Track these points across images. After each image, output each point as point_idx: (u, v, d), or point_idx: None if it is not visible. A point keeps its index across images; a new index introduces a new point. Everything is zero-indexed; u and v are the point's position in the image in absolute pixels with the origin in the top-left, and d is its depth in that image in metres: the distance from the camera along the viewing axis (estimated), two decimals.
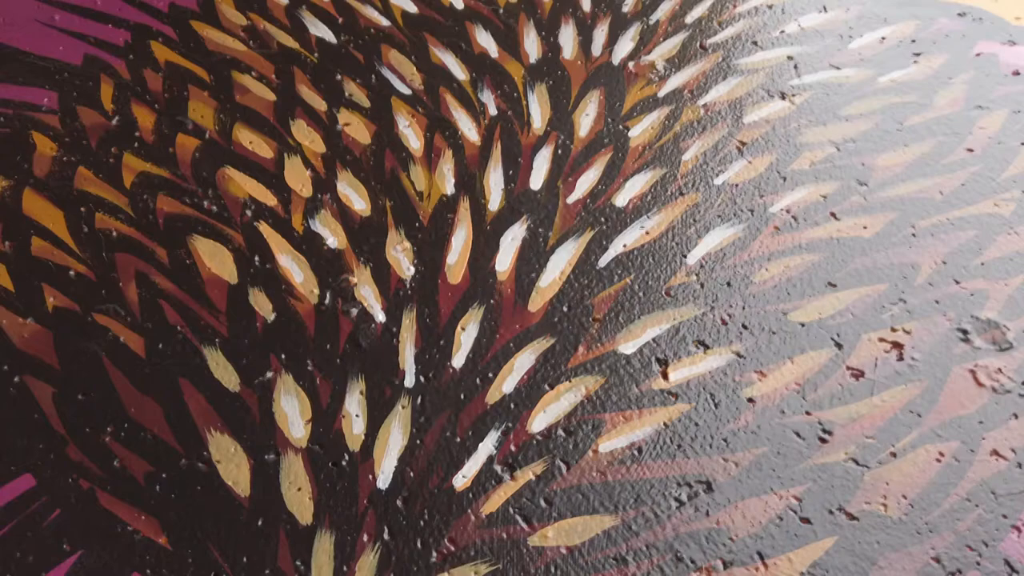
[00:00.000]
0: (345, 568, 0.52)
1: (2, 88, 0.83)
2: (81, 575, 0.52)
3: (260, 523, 0.54)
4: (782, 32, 0.87)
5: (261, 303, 0.65)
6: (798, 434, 0.57)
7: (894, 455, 0.56)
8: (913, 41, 0.86)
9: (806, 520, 0.54)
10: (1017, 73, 0.82)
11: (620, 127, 0.78)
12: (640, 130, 0.78)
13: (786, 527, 0.53)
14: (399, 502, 0.55)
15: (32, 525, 0.54)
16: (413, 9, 0.91)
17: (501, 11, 0.91)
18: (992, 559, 0.52)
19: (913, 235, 0.68)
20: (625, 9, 0.90)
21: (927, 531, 0.53)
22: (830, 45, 0.86)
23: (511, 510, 0.54)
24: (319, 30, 0.88)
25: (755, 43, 0.86)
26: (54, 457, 0.57)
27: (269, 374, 0.61)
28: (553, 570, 0.52)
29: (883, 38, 0.86)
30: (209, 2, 0.92)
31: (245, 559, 0.53)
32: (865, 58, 0.84)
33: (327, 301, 0.65)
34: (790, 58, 0.85)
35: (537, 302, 0.65)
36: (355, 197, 0.72)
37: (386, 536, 0.53)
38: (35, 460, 0.56)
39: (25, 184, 0.74)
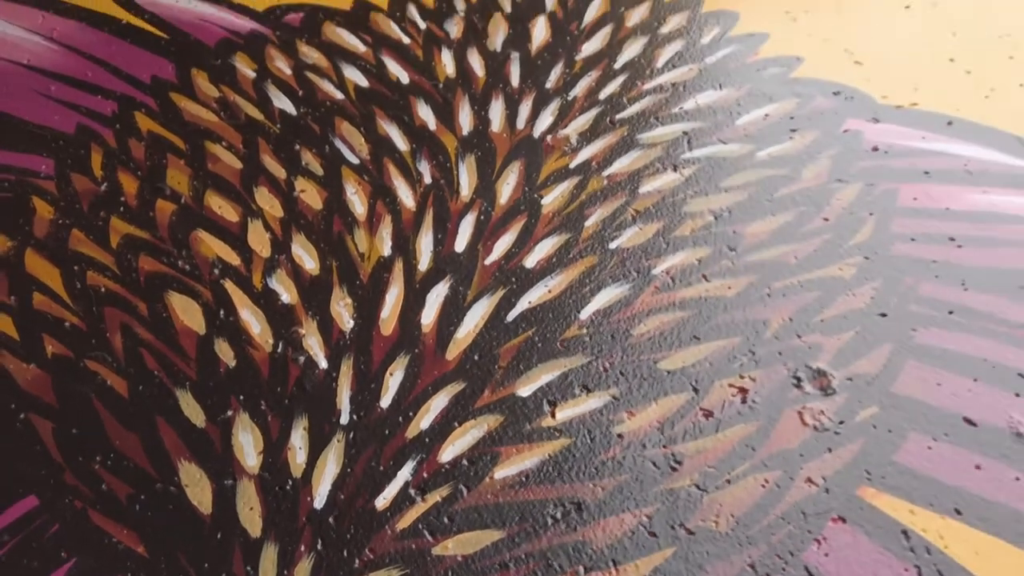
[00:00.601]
0: (286, 572, 0.66)
1: (4, 155, 0.96)
2: None
3: (219, 536, 0.68)
4: (681, 108, 1.01)
5: (224, 351, 0.78)
6: (654, 464, 0.71)
7: (729, 481, 0.70)
8: (791, 118, 1.00)
9: (653, 534, 0.68)
10: (876, 149, 0.96)
11: (535, 195, 0.92)
12: (551, 198, 0.92)
13: (637, 539, 0.67)
14: (331, 519, 0.68)
15: (36, 537, 0.67)
16: (364, 83, 1.04)
17: (440, 85, 1.04)
18: (795, 566, 0.66)
19: (768, 295, 0.82)
20: (548, 85, 1.04)
21: (747, 543, 0.67)
22: (720, 121, 1.00)
23: (420, 526, 0.68)
24: (281, 102, 1.02)
25: (656, 119, 1.00)
26: (53, 481, 0.70)
27: (229, 412, 0.74)
28: (451, 574, 0.66)
29: (766, 115, 1.00)
30: (186, 75, 1.05)
31: (207, 565, 0.67)
32: (749, 134, 0.98)
33: (279, 350, 0.78)
34: (685, 133, 0.98)
35: (453, 351, 0.79)
36: (307, 258, 0.86)
37: (319, 547, 0.67)
38: (38, 484, 0.70)
39: (27, 244, 0.87)
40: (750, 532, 0.66)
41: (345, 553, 0.65)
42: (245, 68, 1.04)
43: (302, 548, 0.66)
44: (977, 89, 1.03)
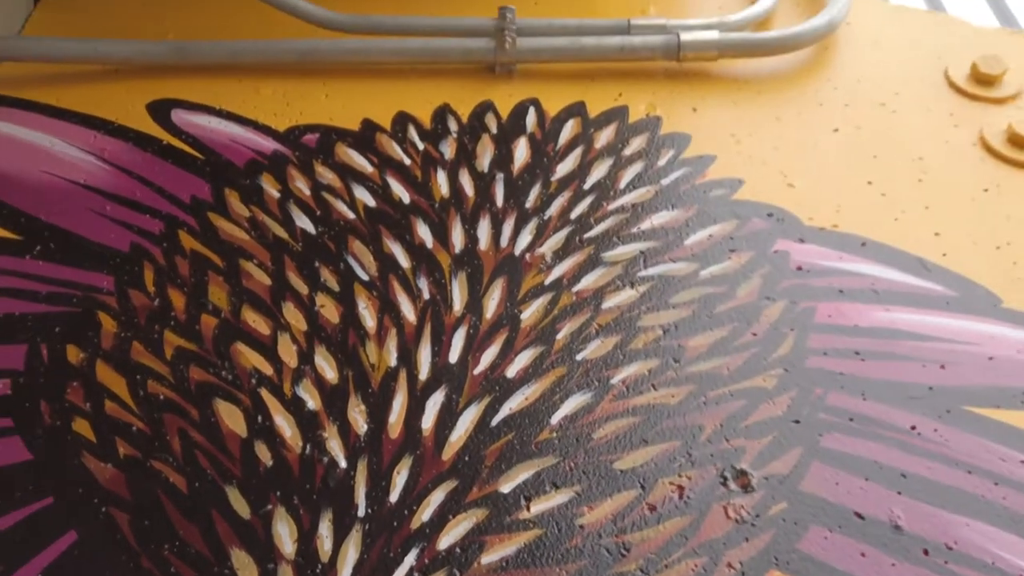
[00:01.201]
0: None
1: (71, 271, 1.14)
2: None
3: None
4: (639, 228, 1.20)
5: (263, 452, 0.96)
6: (607, 551, 0.89)
7: (667, 566, 0.88)
8: (731, 238, 1.19)
9: None
10: (800, 268, 1.15)
11: (515, 311, 1.10)
12: (528, 313, 1.10)
13: None
14: None
15: None
16: (372, 203, 1.22)
17: (436, 205, 1.22)
18: None
19: (704, 403, 1.01)
20: (528, 205, 1.22)
21: None
22: (671, 241, 1.18)
23: None
24: (302, 222, 1.20)
25: (618, 238, 1.19)
26: (132, 565, 0.88)
27: (269, 506, 0.92)
28: None
29: (710, 235, 1.19)
30: (220, 194, 1.23)
31: None
32: (695, 253, 1.17)
33: (307, 451, 0.96)
34: (641, 252, 1.17)
35: (448, 453, 0.97)
36: (327, 368, 1.04)
37: None
38: (120, 568, 0.88)
39: (96, 356, 1.05)
40: None
41: None
42: (270, 188, 1.22)
43: None
44: (889, 211, 1.22)
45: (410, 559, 0.88)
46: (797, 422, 0.99)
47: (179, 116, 1.33)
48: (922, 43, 1.47)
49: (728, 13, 1.48)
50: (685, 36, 1.37)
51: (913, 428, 0.99)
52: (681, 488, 0.94)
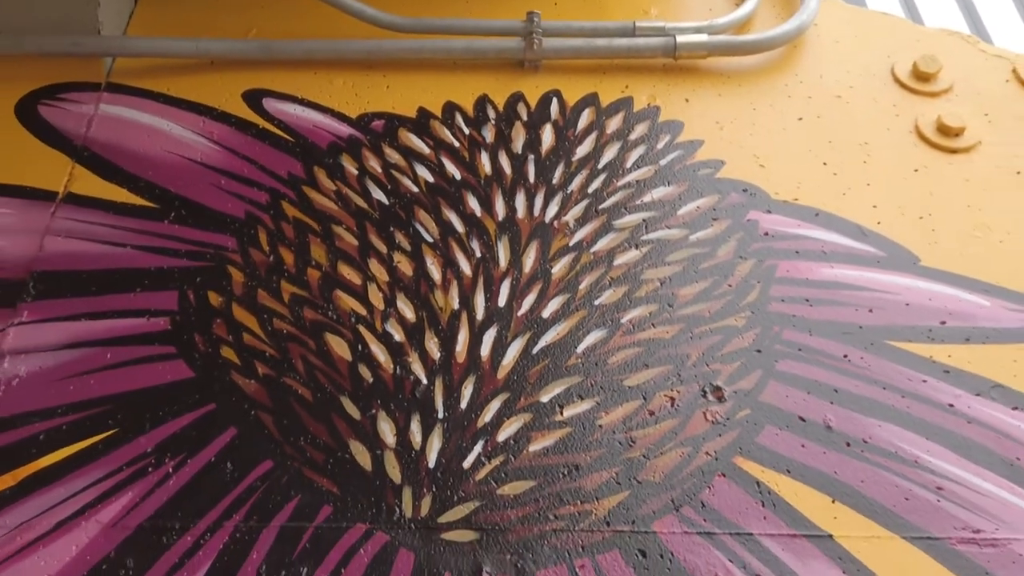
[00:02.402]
0: (417, 503, 1.18)
1: (202, 234, 1.45)
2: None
3: (377, 483, 1.20)
4: (642, 201, 1.52)
5: (365, 373, 1.29)
6: (619, 443, 1.23)
7: (662, 453, 1.23)
8: (714, 209, 1.51)
9: (618, 483, 1.21)
10: (766, 234, 1.48)
11: (547, 267, 1.43)
12: (557, 269, 1.43)
13: (609, 486, 1.20)
14: (439, 474, 1.20)
15: (274, 485, 1.19)
16: (431, 179, 1.53)
17: (482, 181, 1.54)
18: (695, 502, 1.20)
19: (691, 337, 1.35)
20: (554, 182, 1.54)
21: (670, 488, 1.20)
22: (667, 211, 1.50)
23: (489, 478, 1.20)
24: (377, 194, 1.51)
25: (625, 208, 1.51)
26: (278, 452, 1.21)
27: (373, 411, 1.26)
28: (506, 505, 1.19)
29: (698, 207, 1.51)
30: (311, 171, 1.54)
31: (372, 498, 1.19)
32: (686, 221, 1.49)
33: (398, 372, 1.29)
34: (644, 220, 1.49)
35: (501, 373, 1.30)
36: (407, 310, 1.37)
37: (434, 489, 1.19)
38: (270, 453, 1.21)
39: (231, 300, 1.37)
40: (672, 482, 1.20)
41: (448, 492, 1.18)
42: (350, 166, 1.54)
43: (423, 490, 1.18)
44: (838, 187, 1.54)
45: (477, 448, 1.23)
46: (759, 351, 1.33)
47: (270, 104, 1.63)
48: (875, 43, 1.77)
49: (717, 16, 1.78)
50: (680, 38, 1.68)
51: (845, 356, 1.33)
52: (672, 399, 1.28)
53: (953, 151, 1.58)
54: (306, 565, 1.10)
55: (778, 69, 1.73)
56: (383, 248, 1.42)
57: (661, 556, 1.13)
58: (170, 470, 1.19)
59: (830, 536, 1.15)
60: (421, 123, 1.60)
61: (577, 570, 1.11)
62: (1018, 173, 1.55)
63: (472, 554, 1.12)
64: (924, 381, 1.30)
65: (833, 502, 1.18)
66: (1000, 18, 1.96)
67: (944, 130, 1.59)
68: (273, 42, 1.66)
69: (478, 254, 1.42)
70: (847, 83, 1.70)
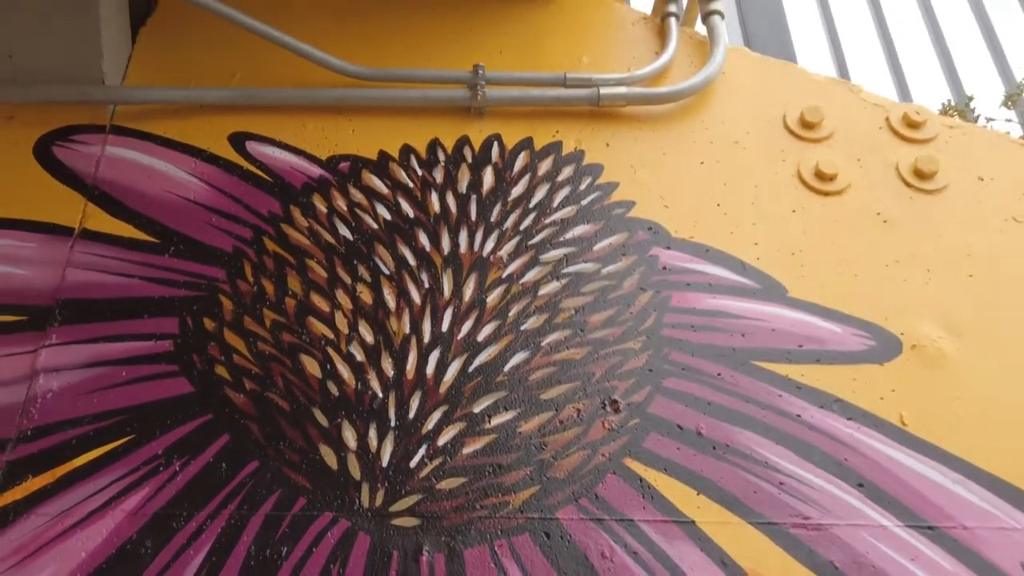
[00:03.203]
0: (376, 498, 1.50)
1: (197, 266, 1.74)
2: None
3: (341, 479, 1.52)
4: (564, 238, 1.81)
5: (332, 388, 1.60)
6: (534, 447, 1.56)
7: (567, 455, 1.55)
8: (624, 246, 1.81)
9: (531, 480, 1.53)
10: (664, 268, 1.78)
11: (483, 296, 1.73)
12: (491, 298, 1.73)
13: (524, 481, 1.53)
14: (391, 471, 1.52)
15: (260, 480, 1.50)
16: (388, 217, 1.82)
17: (431, 219, 1.83)
18: (591, 495, 1.53)
19: (596, 358, 1.66)
20: (492, 219, 1.83)
21: (573, 483, 1.53)
22: (585, 247, 1.80)
23: (432, 475, 1.53)
24: (343, 231, 1.80)
25: (550, 244, 1.80)
26: (263, 455, 1.53)
27: (339, 420, 1.57)
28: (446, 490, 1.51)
29: (610, 243, 1.81)
30: (287, 209, 1.82)
31: (337, 492, 1.51)
32: (599, 256, 1.79)
33: (359, 387, 1.60)
34: (565, 255, 1.79)
35: (443, 388, 1.62)
36: (367, 334, 1.67)
37: (387, 484, 1.51)
38: (257, 456, 1.52)
39: (223, 325, 1.67)
40: (574, 478, 1.52)
41: (397, 487, 1.50)
42: (320, 205, 1.82)
43: (378, 485, 1.50)
44: (728, 227, 1.84)
45: (421, 451, 1.54)
46: (651, 370, 1.65)
47: (252, 146, 1.90)
48: (772, 91, 2.05)
49: (639, 64, 2.05)
50: (603, 90, 1.95)
51: (719, 374, 1.65)
52: (579, 410, 1.60)
53: (826, 194, 1.88)
54: (286, 545, 1.42)
55: (687, 115, 2.01)
56: (348, 279, 1.71)
57: (561, 538, 1.46)
58: (177, 468, 1.50)
59: (693, 522, 1.48)
60: (381, 164, 1.88)
61: (496, 549, 1.44)
62: (877, 214, 1.85)
63: (415, 536, 1.45)
64: (780, 396, 1.62)
65: (697, 494, 1.51)
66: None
67: (820, 175, 1.89)
68: (254, 90, 1.91)
69: (426, 285, 1.72)
70: (744, 129, 1.98)
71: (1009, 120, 2.09)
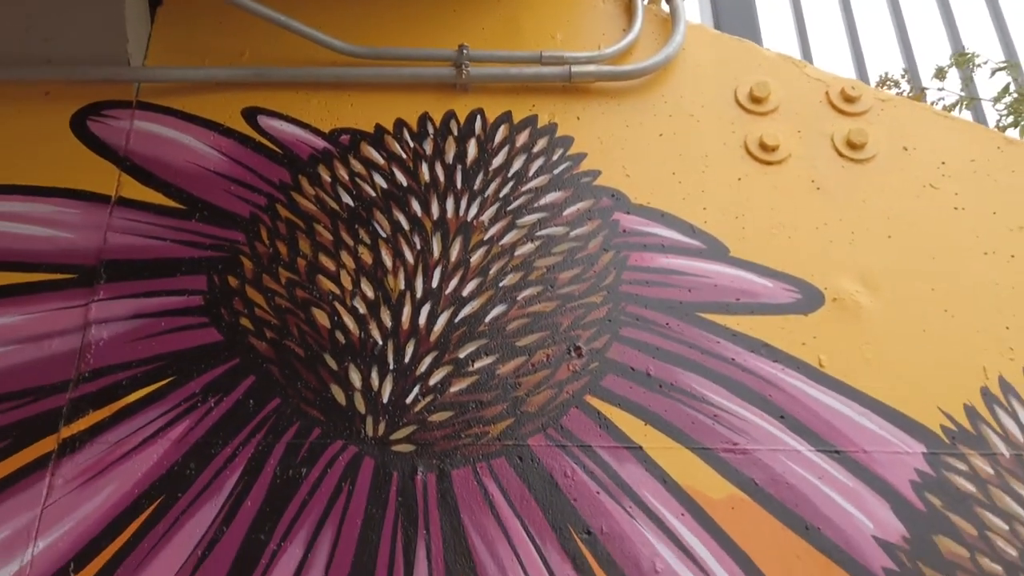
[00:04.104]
0: (382, 425, 1.81)
1: (220, 230, 2.01)
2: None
3: (350, 414, 1.83)
4: (538, 204, 2.08)
5: (339, 336, 1.89)
6: (510, 386, 1.86)
7: (538, 393, 1.86)
8: (589, 211, 2.08)
9: (509, 415, 1.84)
10: (624, 231, 2.06)
11: (467, 257, 2.01)
12: (474, 258, 2.00)
13: (505, 412, 1.84)
14: (391, 406, 1.83)
15: (280, 415, 1.81)
16: (385, 186, 2.08)
17: (422, 187, 2.09)
18: (557, 425, 1.84)
19: (564, 311, 1.95)
20: (475, 187, 2.09)
21: (542, 416, 1.84)
22: (556, 212, 2.07)
23: (423, 412, 1.83)
24: (345, 198, 2.06)
25: (525, 210, 2.07)
26: (283, 393, 1.83)
27: (346, 363, 1.87)
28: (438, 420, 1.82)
29: (578, 208, 2.08)
30: (296, 178, 2.08)
31: (347, 423, 1.82)
32: (568, 220, 2.06)
33: (362, 336, 1.90)
34: (539, 220, 2.06)
35: (433, 336, 1.91)
36: (368, 290, 1.95)
37: (387, 416, 1.82)
38: (278, 392, 1.82)
39: (245, 282, 1.95)
40: (543, 412, 1.83)
41: (396, 419, 1.80)
42: (325, 175, 2.08)
43: (380, 418, 1.80)
44: (680, 193, 2.11)
45: (416, 390, 1.84)
46: (610, 320, 1.94)
47: (263, 120, 2.14)
48: (727, 67, 2.29)
49: (607, 41, 2.29)
50: (575, 68, 2.19)
51: (667, 324, 1.94)
52: (548, 355, 1.90)
53: (768, 163, 2.14)
54: (305, 467, 1.73)
55: (650, 90, 2.25)
56: (350, 242, 1.99)
57: (532, 461, 1.77)
58: (212, 405, 1.79)
59: (640, 447, 1.79)
60: (377, 137, 2.13)
61: (478, 470, 1.75)
62: (812, 182, 2.12)
63: (411, 460, 1.76)
64: (718, 342, 1.92)
65: (645, 425, 1.82)
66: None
67: (763, 146, 2.14)
68: (263, 69, 2.15)
69: (418, 247, 1.99)
70: (700, 103, 2.23)
71: (941, 89, 2.32)
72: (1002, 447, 1.81)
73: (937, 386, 1.87)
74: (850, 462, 1.77)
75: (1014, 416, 1.85)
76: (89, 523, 1.66)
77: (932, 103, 2.30)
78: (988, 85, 2.39)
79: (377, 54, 2.15)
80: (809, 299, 1.96)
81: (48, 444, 1.72)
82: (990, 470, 1.79)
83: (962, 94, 2.30)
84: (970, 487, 1.77)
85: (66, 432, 1.74)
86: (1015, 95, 2.25)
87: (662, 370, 1.87)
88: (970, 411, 1.84)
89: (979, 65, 2.28)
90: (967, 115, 2.38)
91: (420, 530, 1.68)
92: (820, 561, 1.69)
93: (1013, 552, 1.70)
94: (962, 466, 1.79)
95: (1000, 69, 2.29)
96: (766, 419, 1.83)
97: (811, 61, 2.44)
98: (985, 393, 1.86)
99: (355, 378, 1.81)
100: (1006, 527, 1.73)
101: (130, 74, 2.06)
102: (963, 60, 2.29)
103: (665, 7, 2.30)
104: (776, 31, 2.43)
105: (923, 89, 2.27)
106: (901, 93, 2.16)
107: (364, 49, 2.15)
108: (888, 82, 2.17)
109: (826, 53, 2.44)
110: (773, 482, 1.75)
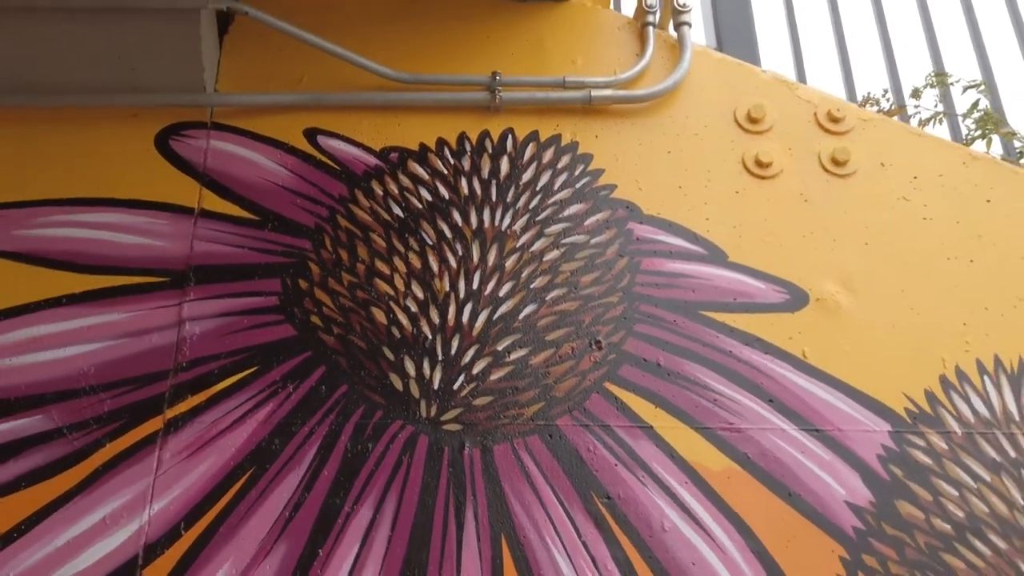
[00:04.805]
0: (435, 407, 2.14)
1: (288, 238, 2.32)
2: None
3: (406, 399, 2.16)
4: (563, 215, 2.39)
5: (396, 332, 2.21)
6: (542, 375, 2.20)
7: (564, 381, 2.19)
8: (607, 221, 2.39)
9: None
10: (638, 239, 2.38)
11: (502, 262, 2.32)
12: (509, 263, 2.32)
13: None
14: (440, 392, 2.16)
15: (349, 400, 2.14)
16: (430, 199, 2.39)
17: (462, 200, 2.40)
18: (582, 408, 2.17)
19: (586, 309, 2.28)
20: (508, 200, 2.41)
21: (568, 400, 2.18)
22: (578, 223, 2.38)
23: (467, 395, 2.17)
24: (396, 210, 2.37)
25: (552, 220, 2.38)
26: (350, 380, 2.15)
27: (402, 355, 2.20)
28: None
29: (597, 219, 2.39)
30: (353, 192, 2.39)
31: (404, 408, 2.15)
32: (589, 230, 2.38)
33: (415, 331, 2.22)
34: (563, 229, 2.37)
35: (476, 331, 2.24)
36: (418, 291, 2.27)
37: (437, 401, 2.15)
38: (347, 380, 2.15)
39: (313, 284, 2.27)
40: (569, 397, 2.16)
41: (446, 403, 2.13)
42: (377, 189, 2.39)
43: (432, 402, 2.13)
44: (687, 204, 2.42)
45: (461, 378, 2.17)
46: (625, 318, 2.26)
47: (322, 140, 2.44)
48: (728, 89, 2.59)
49: (622, 66, 2.58)
50: (594, 92, 2.48)
51: (674, 321, 2.27)
52: (573, 348, 2.23)
53: (763, 178, 2.44)
54: (371, 443, 2.07)
55: (659, 111, 2.54)
56: (402, 249, 2.30)
57: (560, 438, 2.10)
58: (291, 391, 2.12)
59: (652, 427, 2.13)
60: (422, 155, 2.43)
61: (515, 445, 2.09)
62: (801, 195, 2.43)
63: (459, 437, 2.09)
64: (717, 337, 2.24)
65: (655, 408, 2.15)
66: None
67: (759, 163, 2.45)
68: (320, 94, 2.44)
69: (460, 253, 2.31)
70: (703, 123, 2.53)
71: (917, 107, 2.63)
72: (955, 426, 2.14)
73: (902, 374, 2.19)
74: (827, 439, 2.10)
75: (967, 400, 2.18)
76: (194, 490, 1.99)
77: (912, 116, 2.57)
78: (962, 100, 2.66)
79: (419, 80, 2.44)
80: (796, 299, 2.27)
81: (156, 424, 2.05)
82: (944, 446, 2.12)
83: (938, 109, 2.57)
84: (927, 460, 2.11)
85: (170, 413, 2.06)
86: (982, 112, 2.55)
87: (670, 361, 2.19)
88: (930, 396, 2.17)
89: (952, 84, 2.56)
90: (944, 127, 2.65)
91: (468, 496, 2.02)
92: (801, 522, 2.03)
93: (961, 514, 2.04)
94: (921, 442, 2.13)
95: (971, 87, 2.58)
96: (757, 403, 2.15)
97: (804, 75, 2.72)
98: (943, 380, 2.18)
99: (410, 368, 2.13)
100: (956, 493, 2.07)
101: (206, 99, 2.36)
102: (939, 80, 2.57)
103: (673, 33, 2.58)
104: (773, 47, 2.70)
105: (901, 105, 2.56)
106: (881, 110, 2.45)
107: (408, 75, 2.43)
108: (871, 101, 2.47)
109: (819, 67, 2.72)
110: (762, 456, 2.08)
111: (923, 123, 2.39)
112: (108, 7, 2.15)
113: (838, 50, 2.56)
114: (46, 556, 1.89)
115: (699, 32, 2.50)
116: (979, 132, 2.40)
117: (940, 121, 2.43)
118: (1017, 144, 2.29)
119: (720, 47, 2.59)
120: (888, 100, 2.45)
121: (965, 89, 2.44)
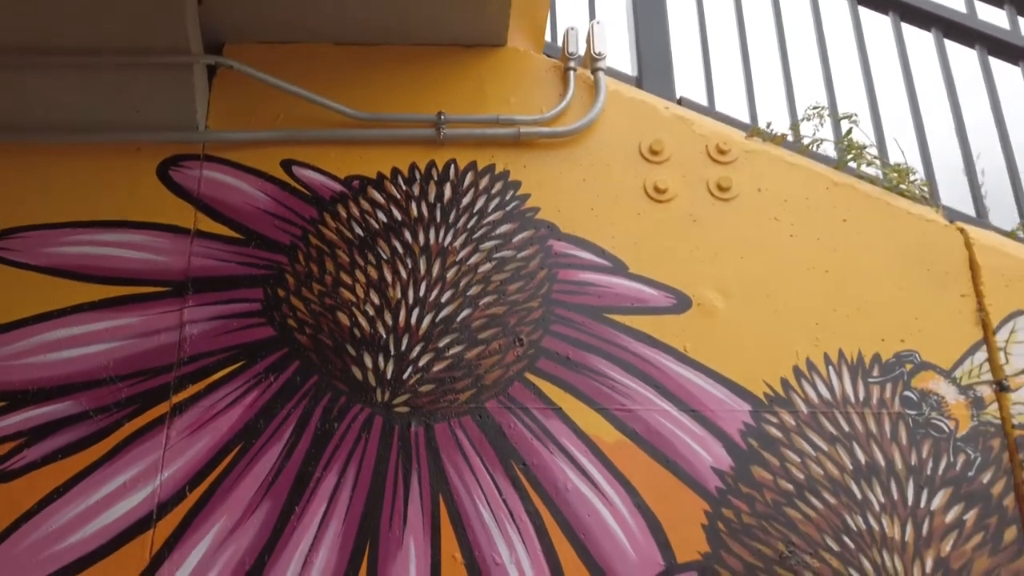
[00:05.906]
0: (399, 390, 2.65)
1: (267, 255, 2.80)
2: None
3: (367, 387, 2.67)
4: (494, 233, 2.88)
5: (357, 331, 2.71)
6: (474, 366, 2.71)
7: (494, 371, 2.71)
8: (531, 238, 2.88)
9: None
10: (556, 253, 2.87)
11: (444, 273, 2.81)
12: (450, 274, 2.80)
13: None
14: (403, 376, 2.67)
15: (322, 387, 2.64)
16: (385, 220, 2.88)
17: (412, 220, 2.88)
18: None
19: (512, 312, 2.78)
20: (450, 221, 2.89)
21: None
22: (507, 239, 2.86)
23: (416, 384, 2.68)
24: (357, 230, 2.85)
25: (486, 238, 2.87)
26: (320, 372, 2.66)
27: (364, 351, 2.70)
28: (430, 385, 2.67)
29: (523, 236, 2.87)
30: (321, 215, 2.86)
31: (362, 391, 2.66)
32: (515, 245, 2.85)
33: (372, 331, 2.72)
34: (495, 244, 2.86)
35: (422, 330, 2.74)
36: (376, 299, 2.76)
37: (398, 380, 2.66)
38: (317, 373, 2.65)
39: (289, 293, 2.75)
40: (496, 384, 2.66)
41: (396, 390, 2.64)
42: (342, 212, 2.86)
43: (386, 389, 2.64)
44: (597, 224, 2.90)
45: (409, 370, 2.67)
46: (543, 320, 2.77)
47: (296, 170, 2.90)
48: (637, 124, 3.04)
49: (548, 105, 3.05)
50: (523, 128, 2.93)
51: (582, 322, 2.77)
52: (500, 344, 2.72)
53: (660, 202, 2.92)
54: (336, 422, 2.57)
55: (578, 144, 3.00)
56: (362, 263, 2.78)
57: (488, 418, 2.61)
58: (272, 380, 2.62)
59: (560, 408, 2.64)
60: (379, 182, 2.90)
61: (452, 424, 2.60)
62: (690, 215, 2.92)
63: (407, 417, 2.60)
64: (616, 335, 2.75)
65: (564, 393, 2.65)
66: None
67: (657, 189, 2.93)
68: (294, 131, 2.89)
69: (410, 266, 2.79)
70: (613, 155, 2.99)
71: (803, 135, 3.12)
72: (803, 407, 2.68)
73: (764, 365, 2.71)
74: (700, 417, 2.63)
75: (813, 386, 2.71)
76: (195, 460, 2.49)
77: (803, 138, 3.05)
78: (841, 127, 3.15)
79: (377, 118, 2.90)
80: (681, 303, 2.78)
81: (163, 408, 2.54)
82: (793, 423, 2.66)
83: (817, 137, 3.05)
84: (778, 434, 2.64)
85: (175, 399, 2.55)
86: (849, 140, 3.05)
87: (578, 355, 2.70)
88: (784, 383, 2.69)
89: (823, 116, 3.06)
90: (827, 147, 3.11)
91: (413, 465, 2.53)
92: (675, 483, 2.55)
93: (801, 476, 2.59)
94: (775, 420, 2.66)
95: (843, 118, 3.09)
96: (646, 388, 2.67)
97: (714, 99, 3.20)
98: (796, 370, 2.70)
99: (368, 361, 2.63)
100: (799, 460, 2.61)
101: (199, 136, 2.80)
102: (817, 112, 3.08)
103: (591, 76, 3.05)
104: (688, 72, 3.16)
105: (783, 134, 3.05)
106: (775, 133, 2.92)
107: (367, 114, 2.89)
108: (758, 134, 2.95)
109: (728, 91, 3.17)
110: (648, 431, 2.61)
111: (810, 145, 2.88)
112: (119, 63, 2.58)
113: (744, 79, 3.07)
114: (79, 512, 2.39)
115: (624, 61, 2.97)
116: (850, 156, 2.90)
117: (818, 146, 2.92)
118: (872, 170, 2.80)
119: (640, 75, 3.07)
120: (770, 130, 2.94)
121: (839, 120, 2.94)
